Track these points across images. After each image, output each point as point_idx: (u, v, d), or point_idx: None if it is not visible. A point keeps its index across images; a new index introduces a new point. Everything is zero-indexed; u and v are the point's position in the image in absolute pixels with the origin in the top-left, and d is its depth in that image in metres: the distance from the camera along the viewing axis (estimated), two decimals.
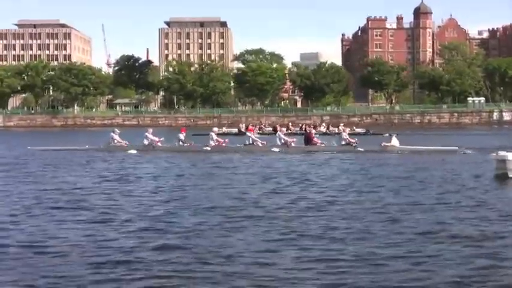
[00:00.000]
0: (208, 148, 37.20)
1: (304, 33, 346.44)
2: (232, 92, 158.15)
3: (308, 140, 38.66)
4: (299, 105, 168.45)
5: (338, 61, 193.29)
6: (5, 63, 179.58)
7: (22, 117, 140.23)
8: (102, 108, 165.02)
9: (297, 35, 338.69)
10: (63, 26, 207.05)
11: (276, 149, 36.08)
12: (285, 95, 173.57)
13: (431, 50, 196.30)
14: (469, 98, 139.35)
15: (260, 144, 38.00)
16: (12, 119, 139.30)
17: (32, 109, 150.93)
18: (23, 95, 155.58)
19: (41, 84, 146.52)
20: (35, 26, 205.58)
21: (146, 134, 38.44)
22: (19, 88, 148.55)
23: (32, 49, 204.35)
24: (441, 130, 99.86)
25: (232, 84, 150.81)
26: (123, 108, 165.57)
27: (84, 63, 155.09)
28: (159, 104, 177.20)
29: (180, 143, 38.31)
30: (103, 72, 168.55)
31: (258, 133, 55.02)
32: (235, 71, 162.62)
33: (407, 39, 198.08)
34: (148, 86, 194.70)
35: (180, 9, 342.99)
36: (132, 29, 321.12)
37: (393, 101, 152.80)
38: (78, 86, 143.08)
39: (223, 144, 38.15)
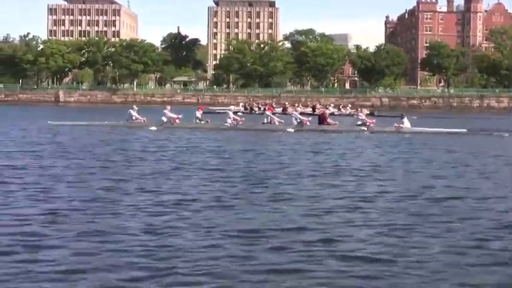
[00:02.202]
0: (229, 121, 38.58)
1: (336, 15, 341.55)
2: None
3: (322, 120, 39.50)
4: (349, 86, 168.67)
5: (374, 42, 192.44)
6: (54, 38, 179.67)
7: (83, 93, 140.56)
8: (151, 85, 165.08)
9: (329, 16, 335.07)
10: (112, 2, 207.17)
11: (291, 129, 36.73)
12: (341, 75, 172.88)
13: (481, 34, 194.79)
14: None
15: (277, 123, 39.24)
16: (72, 95, 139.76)
17: (106, 84, 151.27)
18: (77, 71, 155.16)
19: (102, 60, 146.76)
20: (84, 1, 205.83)
21: (165, 111, 39.28)
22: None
23: (81, 25, 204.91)
24: (501, 114, 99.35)
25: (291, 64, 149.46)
26: (172, 86, 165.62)
27: (144, 40, 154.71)
28: (207, 83, 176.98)
29: (197, 120, 39.65)
30: None
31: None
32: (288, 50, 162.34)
33: (457, 22, 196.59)
34: (196, 63, 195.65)
35: None
36: (180, 7, 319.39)
37: (450, 84, 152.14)
38: (139, 63, 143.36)
39: (240, 123, 39.27)
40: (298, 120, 38.33)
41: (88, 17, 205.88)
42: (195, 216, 11.17)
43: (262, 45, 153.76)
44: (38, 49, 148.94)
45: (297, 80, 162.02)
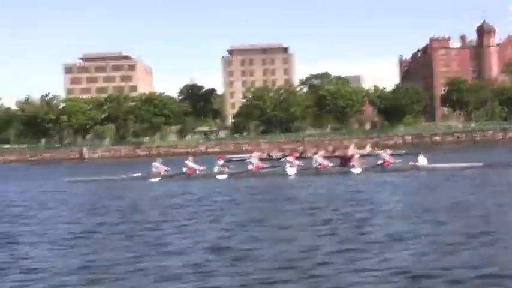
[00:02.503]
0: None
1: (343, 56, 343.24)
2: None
3: (343, 161, 40.13)
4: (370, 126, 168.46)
5: (386, 82, 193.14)
6: (71, 96, 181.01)
7: (106, 149, 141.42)
8: (172, 137, 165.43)
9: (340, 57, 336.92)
10: (126, 58, 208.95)
11: (292, 172, 37.76)
12: (361, 117, 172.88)
13: (496, 67, 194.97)
14: None
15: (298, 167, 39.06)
16: (96, 151, 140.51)
17: (121, 139, 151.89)
18: (99, 126, 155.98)
19: (123, 115, 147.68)
20: (99, 59, 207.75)
21: (186, 162, 39.93)
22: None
23: (97, 82, 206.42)
24: None
25: (310, 108, 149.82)
26: (193, 136, 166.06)
27: (163, 93, 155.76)
28: (227, 131, 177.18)
29: (220, 169, 39.66)
30: None
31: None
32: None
33: (471, 57, 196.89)
34: (214, 113, 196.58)
35: (238, 38, 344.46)
36: (193, 58, 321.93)
37: (471, 118, 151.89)
38: (160, 116, 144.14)
39: (263, 168, 39.67)
40: (317, 164, 38.56)
41: (104, 74, 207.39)
42: None
43: (280, 91, 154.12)
44: (59, 108, 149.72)
45: (316, 124, 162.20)
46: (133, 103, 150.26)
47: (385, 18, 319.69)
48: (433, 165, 37.70)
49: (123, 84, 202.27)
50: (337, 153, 65.18)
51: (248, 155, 71.93)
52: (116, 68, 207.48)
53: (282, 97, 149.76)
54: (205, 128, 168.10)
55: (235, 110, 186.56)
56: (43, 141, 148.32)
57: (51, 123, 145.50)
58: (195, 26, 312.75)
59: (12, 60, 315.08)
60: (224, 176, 37.97)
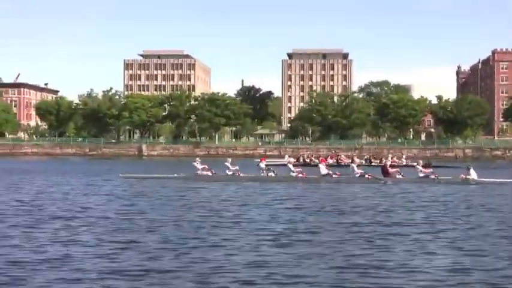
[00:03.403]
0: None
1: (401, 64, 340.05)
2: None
3: (385, 171, 39.76)
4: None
5: (439, 93, 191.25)
6: (130, 92, 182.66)
7: (165, 147, 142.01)
8: (227, 138, 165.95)
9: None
10: (187, 56, 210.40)
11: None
12: (418, 127, 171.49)
13: None
14: None
15: (335, 176, 38.80)
16: (155, 148, 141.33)
17: (182, 138, 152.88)
18: (161, 125, 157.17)
19: (184, 114, 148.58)
20: (159, 56, 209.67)
21: (226, 163, 40.60)
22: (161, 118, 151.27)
23: (156, 79, 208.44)
24: None
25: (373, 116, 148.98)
26: (249, 139, 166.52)
27: (225, 94, 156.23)
28: (282, 135, 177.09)
29: (262, 172, 39.93)
30: None
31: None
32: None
33: None
34: (270, 116, 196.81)
35: (298, 41, 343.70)
36: (254, 59, 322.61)
37: None
38: (221, 117, 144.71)
39: (301, 175, 39.14)
40: (356, 173, 38.78)
41: (163, 72, 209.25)
42: None
43: (343, 98, 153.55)
44: (122, 103, 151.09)
45: (373, 132, 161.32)
46: (196, 102, 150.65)
47: (444, 27, 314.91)
48: (482, 179, 37.43)
49: (181, 83, 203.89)
50: (374, 163, 65.81)
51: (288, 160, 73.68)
52: (175, 66, 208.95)
53: (344, 103, 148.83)
54: (265, 131, 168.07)
55: (292, 114, 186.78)
56: (102, 138, 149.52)
57: (113, 119, 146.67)
58: (255, 28, 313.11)
59: (74, 54, 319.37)
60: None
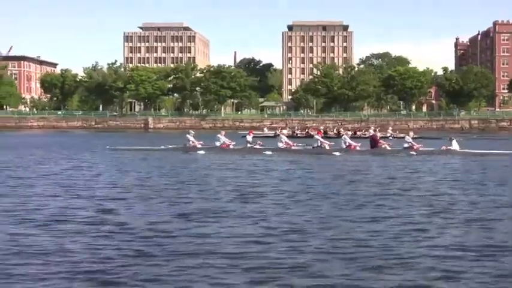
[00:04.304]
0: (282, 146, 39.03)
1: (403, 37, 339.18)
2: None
3: (374, 143, 39.36)
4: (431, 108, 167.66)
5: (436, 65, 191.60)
6: (130, 65, 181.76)
7: (172, 119, 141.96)
8: (228, 111, 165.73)
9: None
10: (186, 29, 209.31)
11: (337, 153, 37.02)
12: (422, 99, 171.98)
13: None
14: None
15: (327, 147, 38.65)
16: (161, 121, 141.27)
17: (183, 111, 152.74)
18: (165, 97, 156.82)
19: (190, 86, 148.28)
20: (159, 29, 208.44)
21: (219, 135, 40.44)
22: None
23: (156, 52, 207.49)
24: None
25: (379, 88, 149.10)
26: (250, 111, 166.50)
27: (230, 66, 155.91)
28: (283, 108, 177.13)
29: (248, 144, 39.79)
30: None
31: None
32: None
33: None
34: (270, 88, 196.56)
35: (299, 14, 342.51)
36: (253, 32, 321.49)
37: None
38: (227, 89, 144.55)
39: (293, 147, 39.18)
40: (347, 144, 38.52)
41: (163, 44, 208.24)
42: None
43: (349, 69, 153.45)
44: (127, 76, 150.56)
45: (375, 104, 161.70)
46: (201, 75, 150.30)
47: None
48: (465, 150, 37.57)
49: (181, 55, 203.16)
50: (358, 134, 66.93)
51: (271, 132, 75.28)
52: (176, 38, 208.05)
53: (349, 75, 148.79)
54: (271, 103, 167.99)
55: (292, 86, 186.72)
56: (107, 111, 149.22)
57: (118, 92, 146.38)
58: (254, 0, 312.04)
59: (73, 26, 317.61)
60: (269, 152, 37.64)
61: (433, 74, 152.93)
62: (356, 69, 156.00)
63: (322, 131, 57.68)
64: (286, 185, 20.15)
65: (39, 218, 13.49)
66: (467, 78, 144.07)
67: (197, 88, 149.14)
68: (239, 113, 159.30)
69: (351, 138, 41.71)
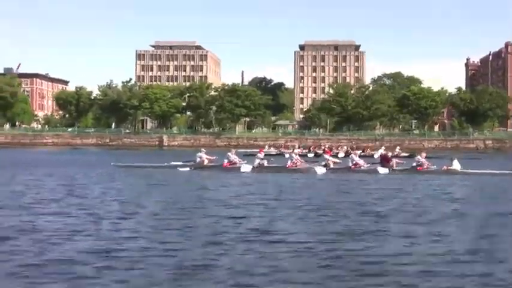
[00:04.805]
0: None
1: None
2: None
3: (385, 161, 39.51)
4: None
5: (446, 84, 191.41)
6: (143, 83, 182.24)
7: (186, 137, 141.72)
8: (240, 129, 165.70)
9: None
10: (198, 47, 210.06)
11: (321, 171, 37.22)
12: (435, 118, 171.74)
13: None
14: None
15: (332, 165, 38.83)
16: (176, 139, 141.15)
17: (195, 129, 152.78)
18: (179, 115, 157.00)
19: (204, 104, 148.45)
20: (171, 47, 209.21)
21: (228, 154, 40.18)
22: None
23: (168, 70, 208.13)
24: None
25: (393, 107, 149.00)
26: (262, 129, 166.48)
27: (245, 85, 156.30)
28: (295, 126, 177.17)
29: (259, 162, 39.65)
30: None
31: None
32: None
33: None
34: (282, 107, 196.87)
35: (311, 33, 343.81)
36: (264, 51, 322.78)
37: None
38: (241, 107, 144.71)
39: (299, 165, 39.03)
40: (353, 163, 38.53)
41: (175, 62, 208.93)
42: None
43: (363, 89, 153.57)
44: (141, 94, 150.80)
45: (387, 123, 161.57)
46: (216, 93, 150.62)
47: (454, 18, 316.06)
48: (465, 170, 37.33)
49: (193, 74, 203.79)
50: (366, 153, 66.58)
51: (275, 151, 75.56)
52: (187, 57, 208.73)
53: (364, 95, 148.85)
54: (285, 122, 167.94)
55: (304, 105, 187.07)
56: (121, 129, 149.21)
57: (133, 109, 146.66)
58: (267, 19, 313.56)
59: (83, 43, 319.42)
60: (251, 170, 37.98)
61: (447, 94, 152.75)
62: (370, 88, 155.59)
63: (329, 149, 57.86)
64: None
65: None
66: (482, 98, 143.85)
67: (212, 106, 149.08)
68: (253, 131, 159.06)
69: (360, 156, 41.91)
